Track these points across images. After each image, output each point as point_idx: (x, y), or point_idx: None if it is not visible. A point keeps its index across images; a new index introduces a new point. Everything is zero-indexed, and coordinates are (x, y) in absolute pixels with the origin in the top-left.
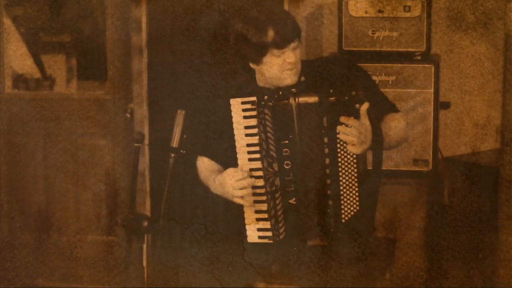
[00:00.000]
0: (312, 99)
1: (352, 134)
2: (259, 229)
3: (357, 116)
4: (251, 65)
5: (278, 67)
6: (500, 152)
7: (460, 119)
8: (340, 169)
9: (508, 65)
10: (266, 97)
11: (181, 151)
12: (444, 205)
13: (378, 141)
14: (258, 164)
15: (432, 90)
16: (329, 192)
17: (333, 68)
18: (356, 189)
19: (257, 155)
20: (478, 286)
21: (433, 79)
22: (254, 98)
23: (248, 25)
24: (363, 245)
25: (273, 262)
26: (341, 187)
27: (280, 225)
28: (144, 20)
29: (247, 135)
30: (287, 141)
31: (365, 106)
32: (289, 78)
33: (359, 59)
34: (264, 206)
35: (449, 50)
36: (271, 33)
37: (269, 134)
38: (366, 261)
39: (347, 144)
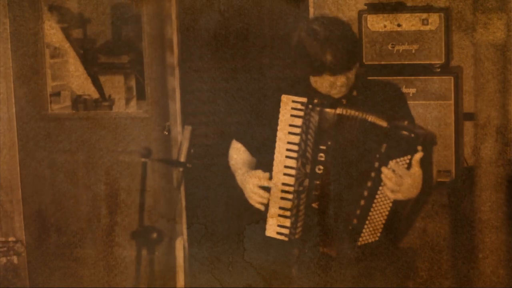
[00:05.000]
0: (357, 114)
1: (394, 181)
2: (279, 225)
3: (411, 155)
4: (309, 76)
5: (329, 83)
6: (500, 152)
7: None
8: (377, 196)
9: (508, 65)
10: (316, 100)
11: (188, 165)
12: (444, 205)
13: (423, 194)
14: (292, 163)
15: (452, 101)
16: (358, 211)
17: (382, 92)
18: (383, 222)
19: (294, 154)
20: (478, 286)
21: (453, 91)
22: (304, 99)
23: (311, 38)
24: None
25: (273, 262)
26: (370, 213)
27: (299, 224)
28: (175, 39)
29: (289, 133)
30: (324, 147)
31: (418, 156)
32: (337, 94)
33: (380, 72)
34: (288, 204)
35: (459, 59)
36: (328, 57)
37: (309, 136)
38: (366, 261)
39: (385, 185)
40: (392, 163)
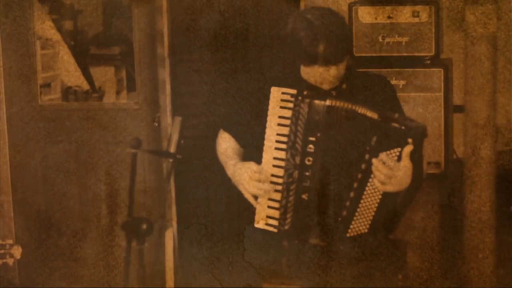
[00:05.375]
0: (347, 106)
1: (384, 173)
2: (268, 217)
3: (401, 147)
4: (300, 64)
5: (321, 74)
6: (500, 152)
7: (460, 119)
8: (366, 188)
9: (508, 65)
10: (306, 92)
11: (177, 156)
12: (444, 205)
13: (414, 187)
14: (282, 154)
15: (442, 94)
16: (347, 203)
17: (372, 84)
18: (373, 213)
19: (283, 146)
20: (478, 286)
21: (442, 83)
22: (294, 91)
23: (304, 29)
24: (362, 247)
25: (273, 262)
26: (360, 205)
27: (288, 215)
28: (166, 31)
29: (279, 124)
30: (314, 139)
31: (408, 149)
32: (327, 84)
33: (370, 65)
34: (278, 196)
35: (449, 51)
36: (321, 48)
37: (299, 128)
38: (366, 261)
39: (375, 177)
40: (382, 155)
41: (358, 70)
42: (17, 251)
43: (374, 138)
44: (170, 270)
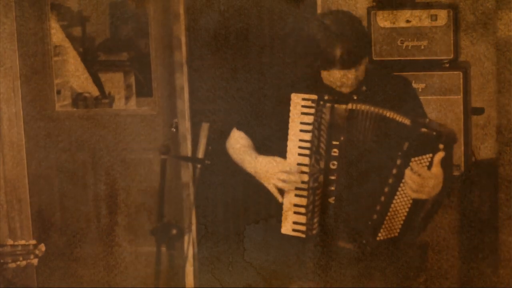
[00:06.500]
0: (373, 109)
1: (416, 182)
2: (294, 222)
3: (432, 153)
4: (319, 69)
5: (340, 78)
6: (500, 152)
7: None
8: (397, 193)
9: (508, 65)
10: (326, 96)
11: (206, 161)
12: (444, 205)
13: (444, 191)
14: (305, 160)
15: (461, 96)
16: (378, 207)
17: (393, 86)
18: (403, 218)
19: (307, 151)
20: (478, 286)
21: (461, 85)
22: (315, 97)
23: (322, 32)
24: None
25: (273, 262)
26: (391, 209)
27: (315, 220)
28: (183, 36)
29: (301, 130)
30: (338, 142)
31: (439, 156)
32: (347, 88)
33: (390, 69)
34: (304, 201)
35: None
36: (338, 52)
37: (322, 133)
38: (366, 261)
39: (408, 185)
40: (414, 164)
41: (378, 72)
42: (41, 250)
43: (406, 144)
44: (190, 275)
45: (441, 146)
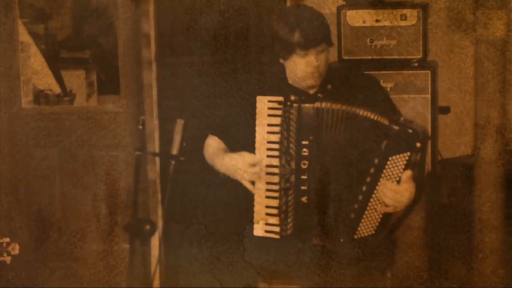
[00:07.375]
0: (335, 106)
1: (391, 198)
2: (267, 224)
3: (410, 151)
4: (281, 60)
5: (302, 67)
6: (500, 152)
7: (460, 120)
8: (375, 191)
9: (508, 65)
10: (293, 97)
11: (181, 158)
12: (444, 205)
13: (418, 191)
14: (275, 161)
15: (429, 95)
16: (356, 206)
17: (359, 84)
18: (380, 216)
19: (276, 153)
20: (478, 286)
21: (430, 85)
22: (281, 98)
23: (280, 23)
24: (364, 249)
25: (273, 262)
26: (368, 208)
27: (289, 220)
28: (152, 34)
29: (269, 132)
30: (307, 142)
31: (408, 173)
32: (309, 80)
33: (358, 67)
34: (275, 202)
35: (449, 50)
36: (297, 34)
37: (291, 133)
38: (366, 261)
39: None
40: (382, 183)
41: (343, 69)
42: (15, 249)
43: (385, 143)
44: (156, 273)
45: (418, 144)
